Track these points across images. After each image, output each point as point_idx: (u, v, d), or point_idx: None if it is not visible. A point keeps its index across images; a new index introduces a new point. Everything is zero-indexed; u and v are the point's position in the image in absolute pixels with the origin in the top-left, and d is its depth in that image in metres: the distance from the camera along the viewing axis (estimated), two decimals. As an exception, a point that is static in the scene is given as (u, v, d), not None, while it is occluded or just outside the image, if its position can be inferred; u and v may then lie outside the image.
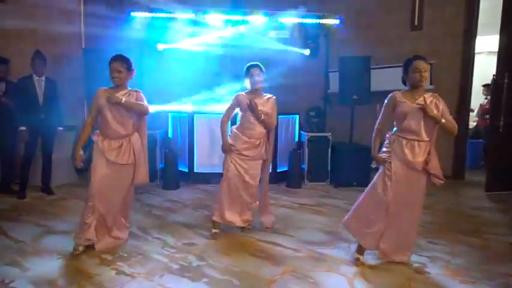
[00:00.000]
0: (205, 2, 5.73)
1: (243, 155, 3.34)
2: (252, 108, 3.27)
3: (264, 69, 3.38)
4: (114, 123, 2.97)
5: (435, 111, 2.68)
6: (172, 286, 2.54)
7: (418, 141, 2.74)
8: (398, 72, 6.45)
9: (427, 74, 2.73)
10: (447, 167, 6.10)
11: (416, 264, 2.90)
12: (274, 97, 3.46)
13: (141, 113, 3.08)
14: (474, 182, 5.86)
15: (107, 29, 5.99)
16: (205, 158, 5.47)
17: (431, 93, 2.80)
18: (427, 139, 2.74)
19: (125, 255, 3.00)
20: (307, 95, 6.39)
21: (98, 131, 3.06)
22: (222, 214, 3.39)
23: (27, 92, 4.50)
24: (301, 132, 5.91)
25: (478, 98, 8.10)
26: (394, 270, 2.81)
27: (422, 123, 2.71)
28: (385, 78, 6.08)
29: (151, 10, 5.58)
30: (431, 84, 5.98)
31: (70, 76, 5.64)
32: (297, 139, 5.89)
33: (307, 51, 6.08)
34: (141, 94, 3.09)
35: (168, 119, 5.84)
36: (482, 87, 7.45)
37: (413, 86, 2.78)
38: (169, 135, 5.82)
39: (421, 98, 2.72)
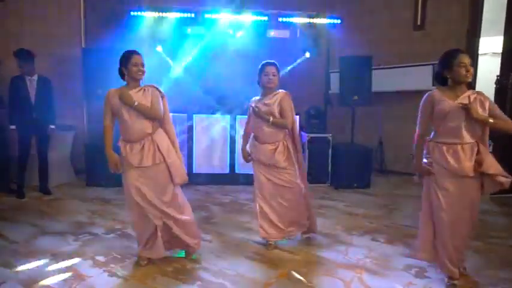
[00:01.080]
0: (206, 2, 5.68)
1: (262, 161, 3.09)
2: (255, 112, 3.05)
3: (279, 69, 3.15)
4: (132, 123, 2.68)
5: (480, 111, 2.40)
6: (165, 289, 2.50)
7: (461, 144, 2.44)
8: (400, 72, 6.43)
9: (472, 70, 2.44)
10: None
11: (415, 269, 2.82)
12: (283, 92, 3.09)
13: (153, 118, 2.75)
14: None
15: (106, 28, 5.97)
16: (204, 158, 5.42)
17: (474, 91, 2.51)
18: (472, 141, 2.45)
19: (119, 256, 2.95)
20: (308, 96, 6.33)
21: (121, 137, 2.79)
22: (266, 229, 3.14)
23: (18, 91, 4.47)
24: (302, 132, 5.84)
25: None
26: (392, 275, 2.74)
27: (464, 123, 2.41)
28: (387, 79, 6.04)
29: (151, 10, 5.55)
30: (433, 85, 5.91)
31: (69, 76, 5.63)
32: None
33: (307, 52, 6.03)
34: (157, 91, 2.80)
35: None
36: None
37: (458, 82, 2.46)
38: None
39: (464, 96, 2.44)
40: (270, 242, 3.17)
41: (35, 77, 4.58)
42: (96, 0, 6.02)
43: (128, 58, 2.71)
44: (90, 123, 6.00)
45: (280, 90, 3.12)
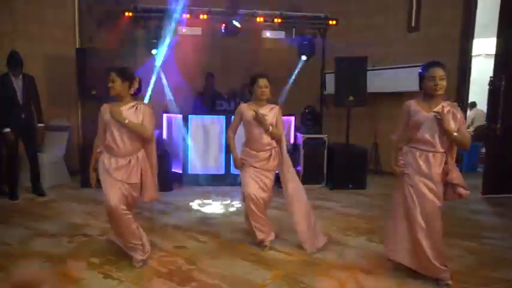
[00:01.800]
0: (202, 3, 5.67)
1: (256, 167, 3.20)
2: (259, 119, 3.12)
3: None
4: (121, 139, 2.70)
5: (452, 123, 2.52)
6: (160, 291, 2.49)
7: (433, 152, 2.57)
8: (395, 73, 6.47)
9: (444, 83, 2.52)
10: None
11: (410, 269, 2.83)
12: (278, 107, 3.32)
13: (143, 136, 2.78)
14: (471, 185, 5.77)
15: (101, 29, 5.95)
16: (200, 159, 5.41)
17: (449, 102, 2.62)
18: (442, 150, 2.58)
19: (113, 258, 2.93)
20: (303, 96, 6.34)
21: (103, 148, 2.80)
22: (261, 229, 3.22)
23: (6, 91, 4.40)
24: (297, 133, 5.86)
25: (475, 100, 8.12)
26: (387, 275, 2.75)
27: (437, 134, 2.54)
28: (382, 80, 6.07)
29: (146, 10, 5.53)
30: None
31: (63, 76, 5.60)
32: (292, 141, 5.84)
33: (303, 52, 6.04)
34: (149, 109, 2.80)
35: (162, 120, 5.78)
36: None
37: (427, 95, 2.59)
38: (163, 136, 5.76)
39: (438, 107, 2.56)
40: (266, 244, 3.19)
41: (20, 76, 4.51)
42: (90, 0, 5.99)
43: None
44: (85, 123, 5.96)
45: (274, 106, 3.31)
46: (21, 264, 2.80)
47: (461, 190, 2.69)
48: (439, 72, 2.52)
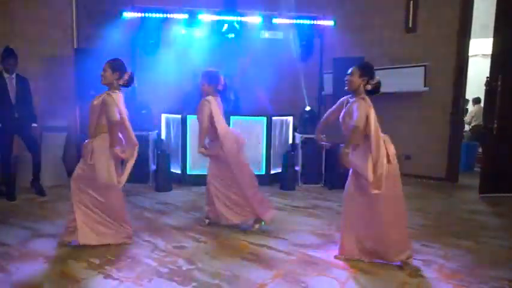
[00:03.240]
0: (199, 3, 5.68)
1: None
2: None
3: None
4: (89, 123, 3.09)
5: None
6: (161, 291, 2.49)
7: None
8: (392, 74, 6.50)
9: (348, 77, 2.90)
10: (441, 169, 6.10)
11: (409, 269, 2.85)
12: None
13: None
14: (468, 185, 5.86)
15: (98, 29, 5.94)
16: (198, 160, 5.40)
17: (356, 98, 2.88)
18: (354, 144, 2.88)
19: (113, 258, 2.93)
20: (301, 97, 6.36)
21: None
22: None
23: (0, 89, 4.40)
24: (295, 133, 5.87)
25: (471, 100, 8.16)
26: (387, 274, 2.77)
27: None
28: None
29: (144, 10, 5.53)
30: (425, 86, 5.99)
31: (61, 76, 5.59)
32: (291, 141, 5.85)
33: (301, 53, 6.06)
34: (109, 97, 2.99)
35: (160, 121, 5.78)
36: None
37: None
38: (162, 136, 5.75)
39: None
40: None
41: (14, 76, 4.50)
42: (88, 1, 5.98)
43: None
44: (83, 124, 5.94)
45: None
46: (21, 265, 2.79)
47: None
48: (350, 70, 2.90)
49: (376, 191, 2.71)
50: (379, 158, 2.72)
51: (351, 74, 2.88)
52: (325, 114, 3.24)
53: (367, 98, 2.83)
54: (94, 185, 3.06)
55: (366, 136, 2.80)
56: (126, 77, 3.10)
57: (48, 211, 4.13)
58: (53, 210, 4.16)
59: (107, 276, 2.67)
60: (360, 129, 2.76)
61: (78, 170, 3.12)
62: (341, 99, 3.08)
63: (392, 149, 2.83)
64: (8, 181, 4.56)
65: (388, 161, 2.76)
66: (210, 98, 3.47)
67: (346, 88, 2.92)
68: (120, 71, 3.07)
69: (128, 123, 3.09)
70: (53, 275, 2.67)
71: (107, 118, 2.98)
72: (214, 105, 3.46)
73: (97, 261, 2.88)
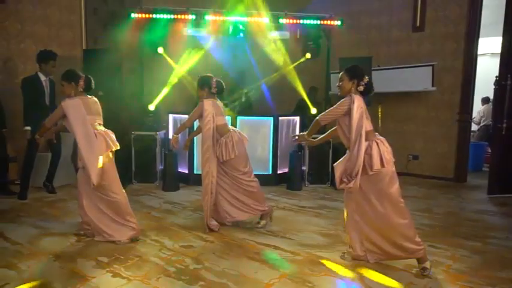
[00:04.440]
0: (206, 3, 5.71)
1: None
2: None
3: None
4: None
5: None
6: (168, 289, 2.52)
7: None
8: (399, 73, 6.47)
9: (339, 83, 2.91)
10: (449, 169, 6.06)
11: (416, 269, 2.85)
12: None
13: None
14: (476, 185, 5.81)
15: (107, 30, 6.00)
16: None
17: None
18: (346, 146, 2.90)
19: (122, 257, 2.97)
20: (309, 97, 6.35)
21: None
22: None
23: (37, 92, 4.50)
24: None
25: (480, 100, 8.07)
26: (393, 275, 2.76)
27: (340, 131, 2.92)
28: (386, 80, 6.06)
29: (151, 11, 5.57)
30: (433, 86, 5.95)
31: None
32: (297, 141, 5.85)
33: (308, 55, 6.05)
34: (65, 103, 3.17)
35: (168, 121, 5.82)
36: None
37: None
38: (169, 137, 5.79)
39: None
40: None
41: (48, 78, 4.63)
42: (96, 2, 6.04)
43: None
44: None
45: None
46: (32, 263, 2.85)
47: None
48: (339, 76, 2.93)
49: (342, 186, 2.83)
50: (357, 158, 2.71)
51: (340, 79, 2.90)
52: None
53: (355, 96, 2.77)
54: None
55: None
56: (81, 82, 3.25)
57: (58, 210, 4.20)
58: (63, 209, 4.22)
59: (115, 274, 2.70)
60: (319, 123, 2.92)
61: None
62: None
63: (387, 153, 2.76)
64: (25, 181, 4.62)
65: (382, 165, 2.73)
66: (205, 101, 3.57)
67: (338, 94, 2.93)
68: (74, 80, 3.24)
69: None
70: (63, 273, 2.72)
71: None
72: (209, 106, 3.54)
73: (105, 260, 2.92)
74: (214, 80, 3.63)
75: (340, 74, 2.92)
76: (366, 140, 2.75)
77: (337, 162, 2.94)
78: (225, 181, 3.70)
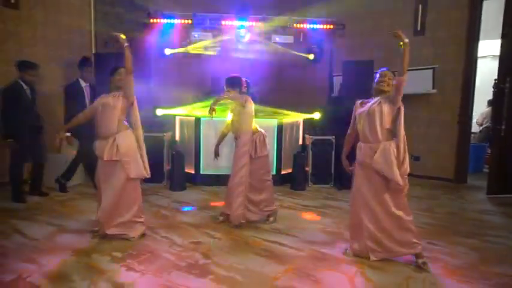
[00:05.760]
0: (212, 8, 5.87)
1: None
2: None
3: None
4: (101, 123, 3.32)
5: (387, 108, 2.92)
6: (180, 282, 2.66)
7: (369, 143, 2.96)
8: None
9: (390, 82, 2.98)
10: (449, 170, 6.17)
11: (415, 264, 2.98)
12: None
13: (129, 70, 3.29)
14: (476, 186, 5.92)
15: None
16: (211, 160, 5.57)
17: (383, 95, 2.97)
18: (372, 141, 2.94)
19: (134, 253, 3.13)
20: (312, 99, 6.50)
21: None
22: None
23: (80, 98, 4.71)
24: (305, 135, 6.01)
25: (480, 101, 8.16)
26: (393, 269, 2.90)
27: (367, 127, 2.94)
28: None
29: (159, 16, 5.74)
30: (433, 88, 6.08)
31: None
32: (301, 142, 6.00)
33: (311, 56, 6.20)
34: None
35: (175, 123, 5.98)
36: None
37: (375, 91, 3.03)
38: (176, 138, 5.95)
39: (374, 101, 2.99)
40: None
41: (87, 84, 4.83)
42: (106, 7, 6.22)
43: (114, 70, 3.39)
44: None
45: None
46: (50, 258, 3.00)
47: (392, 183, 2.88)
48: (386, 73, 2.99)
49: (401, 182, 2.85)
50: (405, 154, 2.90)
51: (389, 77, 2.97)
52: (349, 136, 3.25)
53: None
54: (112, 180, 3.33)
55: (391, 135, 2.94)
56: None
57: (70, 209, 4.35)
58: (75, 208, 4.38)
59: (129, 268, 2.85)
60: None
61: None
62: (356, 108, 3.15)
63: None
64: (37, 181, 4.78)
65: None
66: (247, 97, 3.79)
67: (384, 90, 2.96)
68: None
69: None
70: (80, 267, 2.87)
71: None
72: (251, 103, 3.77)
73: (119, 255, 3.07)
74: (244, 80, 3.83)
75: (386, 72, 3.00)
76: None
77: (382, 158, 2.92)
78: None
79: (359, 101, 3.14)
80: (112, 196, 3.31)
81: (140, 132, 3.43)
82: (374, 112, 2.92)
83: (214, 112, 3.57)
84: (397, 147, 2.90)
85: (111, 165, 3.30)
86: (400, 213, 2.94)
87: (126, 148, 3.29)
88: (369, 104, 3.01)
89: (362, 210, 3.03)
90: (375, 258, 3.01)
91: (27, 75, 4.46)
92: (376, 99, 2.99)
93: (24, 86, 4.48)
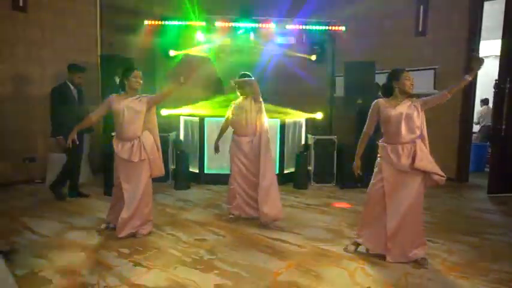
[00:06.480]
0: (215, 10, 5.97)
1: None
2: None
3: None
4: (127, 126, 3.38)
5: (415, 113, 2.99)
6: (186, 277, 2.76)
7: (401, 143, 2.96)
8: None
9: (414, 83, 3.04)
10: (451, 169, 6.22)
11: (413, 261, 3.05)
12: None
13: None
14: (477, 185, 5.97)
15: (121, 36, 6.28)
16: (215, 159, 5.68)
17: (412, 99, 3.03)
18: (409, 141, 2.96)
19: (141, 249, 3.23)
20: (314, 99, 6.58)
21: (115, 135, 3.49)
22: None
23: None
24: (308, 134, 6.10)
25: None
26: (392, 265, 2.98)
27: (402, 127, 2.94)
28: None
29: (163, 18, 5.84)
30: (434, 88, 6.13)
31: (87, 82, 5.92)
32: (303, 141, 6.08)
33: (313, 57, 6.28)
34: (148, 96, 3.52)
35: (180, 123, 6.09)
36: None
37: (402, 92, 3.02)
38: (181, 138, 6.05)
39: (403, 103, 3.00)
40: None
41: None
42: (111, 11, 6.33)
43: (129, 71, 3.41)
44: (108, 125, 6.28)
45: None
46: (60, 254, 3.11)
47: (436, 177, 2.96)
48: (411, 75, 3.02)
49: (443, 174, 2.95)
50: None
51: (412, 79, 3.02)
52: (365, 135, 3.20)
53: None
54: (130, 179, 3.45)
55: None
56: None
57: (77, 207, 4.46)
58: (82, 206, 4.49)
59: (136, 264, 2.96)
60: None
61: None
62: (374, 106, 3.10)
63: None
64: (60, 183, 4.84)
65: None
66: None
67: (411, 92, 3.03)
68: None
69: None
70: (89, 262, 2.98)
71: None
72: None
73: (126, 251, 3.18)
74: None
75: (409, 73, 3.02)
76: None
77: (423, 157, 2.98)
78: (246, 181, 4.00)
79: (381, 100, 3.07)
80: (137, 195, 3.43)
81: (157, 132, 3.59)
82: (412, 114, 2.96)
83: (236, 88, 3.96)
84: (425, 145, 3.02)
85: (134, 165, 3.42)
86: (420, 212, 3.04)
87: (150, 147, 3.46)
88: (401, 106, 2.98)
89: (388, 211, 3.00)
90: (391, 261, 3.01)
91: (76, 77, 4.69)
92: (405, 101, 3.01)
93: (71, 87, 4.69)
